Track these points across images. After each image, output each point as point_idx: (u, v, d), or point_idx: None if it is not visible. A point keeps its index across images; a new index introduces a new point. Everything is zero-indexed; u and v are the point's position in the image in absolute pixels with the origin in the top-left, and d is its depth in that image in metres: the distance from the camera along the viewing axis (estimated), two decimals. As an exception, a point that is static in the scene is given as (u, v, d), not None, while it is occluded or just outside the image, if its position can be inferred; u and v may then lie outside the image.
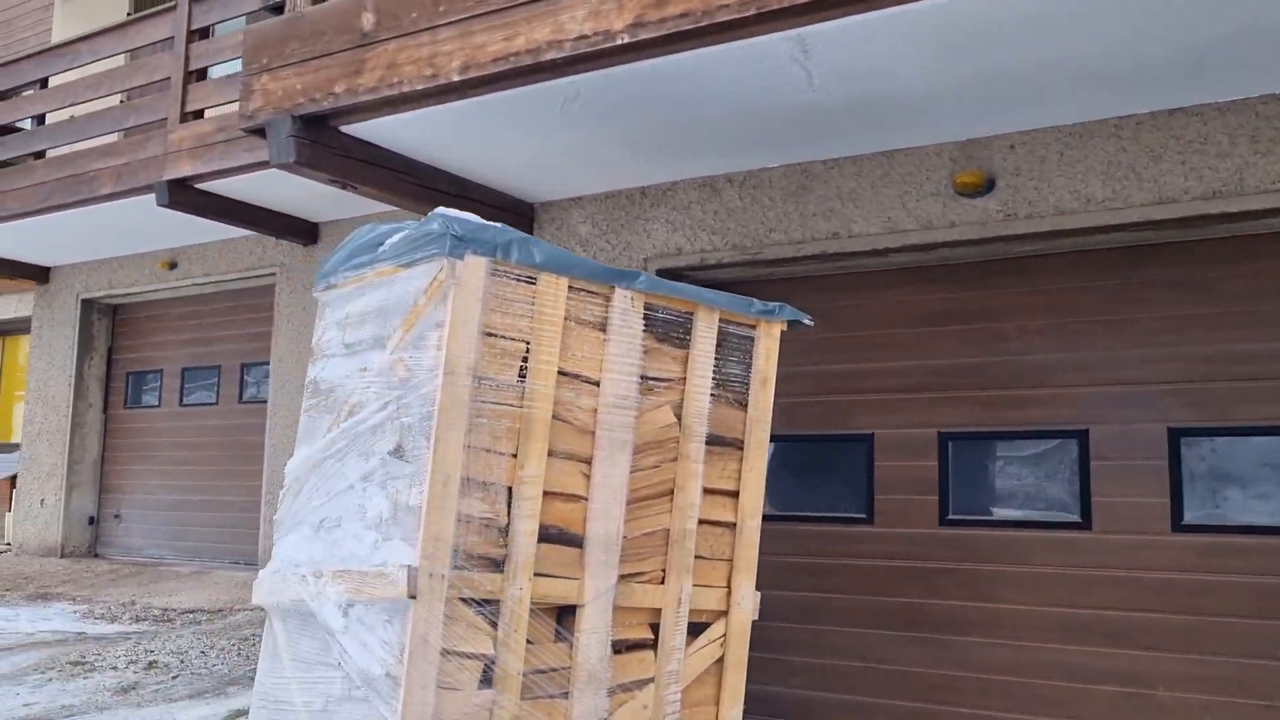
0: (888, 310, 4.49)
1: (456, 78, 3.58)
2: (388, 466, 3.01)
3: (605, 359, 3.31)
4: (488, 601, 3.01)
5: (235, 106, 7.65)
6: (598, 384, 3.32)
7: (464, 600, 2.96)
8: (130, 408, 10.62)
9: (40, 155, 9.05)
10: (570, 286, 3.26)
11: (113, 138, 9.18)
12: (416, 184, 4.41)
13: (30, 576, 9.40)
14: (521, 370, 3.16)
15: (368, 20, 3.82)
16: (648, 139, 4.35)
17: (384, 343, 3.15)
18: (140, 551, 10.21)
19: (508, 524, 3.07)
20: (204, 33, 7.97)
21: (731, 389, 3.69)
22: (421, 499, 2.85)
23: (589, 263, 3.32)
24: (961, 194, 4.93)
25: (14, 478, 10.88)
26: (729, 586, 3.69)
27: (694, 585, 3.54)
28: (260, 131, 4.16)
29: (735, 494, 3.73)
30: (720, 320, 3.63)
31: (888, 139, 5.05)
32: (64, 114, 9.30)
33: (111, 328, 10.85)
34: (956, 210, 4.98)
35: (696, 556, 3.53)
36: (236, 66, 8.36)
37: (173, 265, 9.84)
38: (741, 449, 3.73)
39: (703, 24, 3.23)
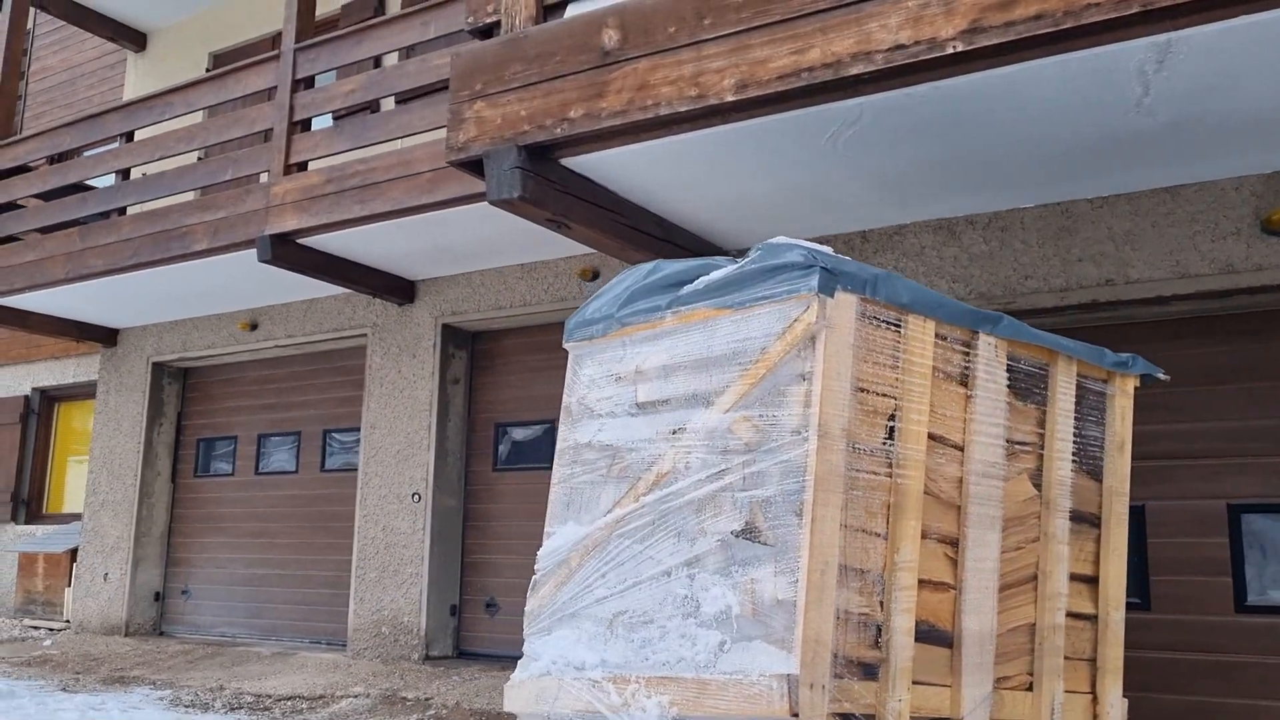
0: (1165, 366, 4.00)
1: (731, 97, 3.12)
2: (732, 550, 2.48)
3: (970, 419, 2.81)
4: (866, 718, 2.47)
5: (342, 159, 7.29)
6: (961, 448, 2.82)
7: (839, 716, 2.42)
8: (200, 476, 10.09)
9: (122, 212, 8.63)
10: (935, 332, 2.76)
11: (191, 195, 8.80)
12: (625, 225, 3.95)
13: (99, 658, 8.79)
14: (889, 431, 2.66)
15: (610, 38, 3.38)
16: (897, 175, 3.89)
17: (709, 399, 2.64)
18: (210, 630, 9.61)
19: (883, 620, 2.54)
20: (308, 82, 7.59)
21: (1087, 455, 3.19)
22: (795, 591, 2.32)
23: (953, 303, 2.81)
24: (1272, 232, 4.45)
25: (74, 551, 10.31)
26: (1094, 692, 3.14)
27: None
28: (471, 165, 3.69)
29: (1094, 580, 3.21)
30: (1077, 374, 3.14)
31: (1174, 173, 4.57)
32: (139, 170, 8.90)
33: (181, 392, 10.36)
34: (1264, 251, 4.50)
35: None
36: (327, 121, 8.05)
37: (253, 326, 9.39)
38: (1098, 526, 3.22)
39: (1063, 26, 2.78)
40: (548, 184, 3.60)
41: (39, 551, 10.53)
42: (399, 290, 8.39)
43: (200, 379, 10.29)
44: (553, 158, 3.64)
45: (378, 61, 7.97)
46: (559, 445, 3.26)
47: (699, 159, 3.67)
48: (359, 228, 7.20)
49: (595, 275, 7.56)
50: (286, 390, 9.62)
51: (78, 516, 11.59)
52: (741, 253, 3.10)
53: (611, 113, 3.37)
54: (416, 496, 8.11)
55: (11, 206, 9.39)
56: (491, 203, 3.53)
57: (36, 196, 9.26)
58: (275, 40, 9.93)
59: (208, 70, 10.47)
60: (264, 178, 7.69)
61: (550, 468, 8.26)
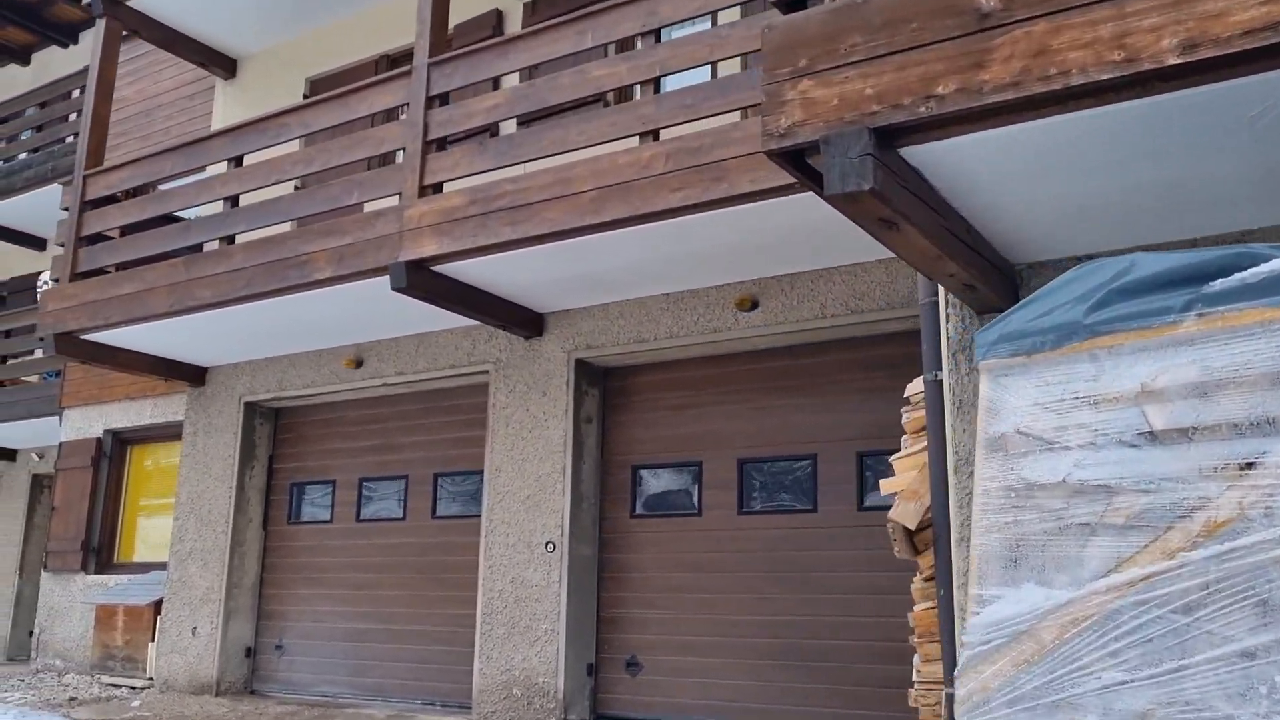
0: None
1: (1174, 60, 2.54)
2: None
3: None
4: None
5: (485, 179, 6.75)
6: None
7: None
8: (295, 523, 9.47)
9: (230, 241, 8.11)
10: None
11: (289, 226, 8.28)
12: (947, 229, 3.37)
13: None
14: None
15: (988, -1, 2.81)
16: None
17: (1291, 427, 2.05)
18: (309, 689, 8.95)
19: None
20: (442, 99, 7.08)
21: None
22: None
23: None
24: None
25: (158, 603, 9.67)
26: None
27: None
28: (793, 155, 3.11)
29: None
30: None
31: None
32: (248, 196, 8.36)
33: (272, 434, 9.78)
34: None
35: None
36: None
37: (359, 364, 8.81)
38: None
39: None
40: (890, 175, 3.03)
41: (118, 604, 9.90)
42: (527, 323, 7.83)
43: (293, 419, 9.71)
44: (894, 145, 3.06)
45: (497, 84, 7.47)
46: (981, 486, 2.64)
47: (1030, 149, 3.10)
48: (503, 254, 6.65)
49: (754, 305, 6.99)
50: (392, 431, 9.03)
51: (150, 566, 10.98)
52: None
53: (997, 86, 2.79)
54: (551, 545, 7.49)
55: (100, 238, 8.89)
56: (829, 198, 2.95)
57: (132, 227, 8.75)
58: (378, 64, 9.49)
59: (305, 96, 9.99)
60: (372, 204, 7.17)
61: (692, 513, 7.75)
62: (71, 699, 9.19)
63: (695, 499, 7.42)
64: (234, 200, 8.11)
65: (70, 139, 13.01)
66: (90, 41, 15.43)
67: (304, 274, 7.31)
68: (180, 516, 9.71)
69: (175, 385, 10.86)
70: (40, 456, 14.32)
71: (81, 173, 9.01)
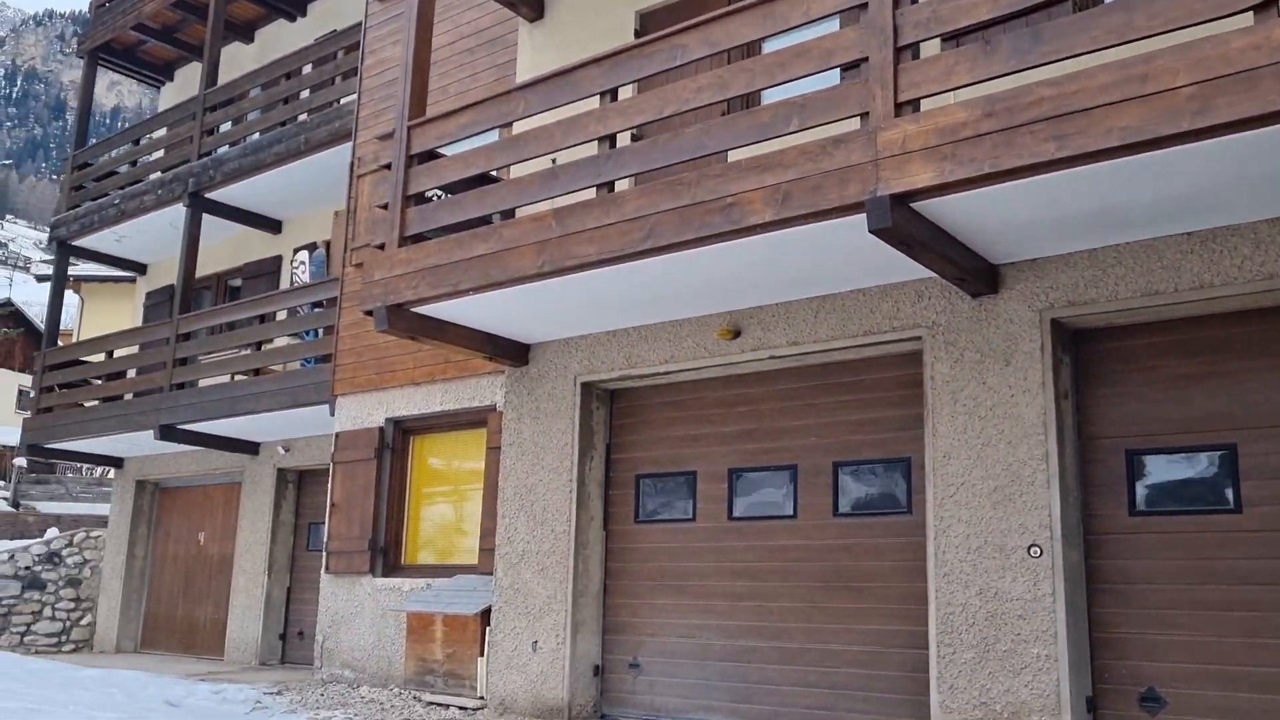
0: None
1: None
2: None
3: None
4: None
5: (998, 85, 5.31)
6: None
7: None
8: (645, 521, 8.20)
9: (610, 188, 6.85)
10: None
11: (685, 172, 6.98)
12: None
13: (576, 754, 6.89)
14: None
15: None
16: None
17: None
18: (676, 714, 7.66)
19: None
20: (913, -6, 5.65)
21: None
22: None
23: None
24: None
25: (486, 613, 8.51)
26: None
27: None
28: None
29: None
30: None
31: None
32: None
33: (608, 419, 8.53)
34: None
35: None
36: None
37: (736, 333, 7.47)
38: None
39: None
40: None
41: (435, 612, 8.78)
42: (978, 277, 6.35)
43: (635, 402, 8.43)
44: None
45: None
46: None
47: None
48: (1028, 179, 5.19)
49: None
50: (770, 414, 7.67)
51: (446, 569, 9.89)
52: None
53: None
54: (1036, 550, 6.00)
55: (421, 199, 7.77)
56: None
57: (465, 183, 7.59)
58: (731, -13, 8.11)
59: (636, 33, 8.73)
60: (809, 133, 5.79)
61: (1225, 510, 6.11)
62: (405, 722, 8.08)
63: (1230, 493, 5.84)
64: (610, 140, 6.84)
65: (341, 101, 12.09)
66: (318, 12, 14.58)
67: (731, 219, 5.99)
68: (507, 515, 8.53)
69: (467, 368, 9.78)
70: (286, 450, 13.48)
71: (405, 124, 7.88)
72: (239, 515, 13.98)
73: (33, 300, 41.40)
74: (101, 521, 19.53)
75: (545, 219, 6.87)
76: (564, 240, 6.72)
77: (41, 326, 38.63)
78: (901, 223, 5.52)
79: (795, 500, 7.44)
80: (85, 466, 25.25)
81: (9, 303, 37.13)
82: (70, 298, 41.61)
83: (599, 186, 6.81)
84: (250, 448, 13.86)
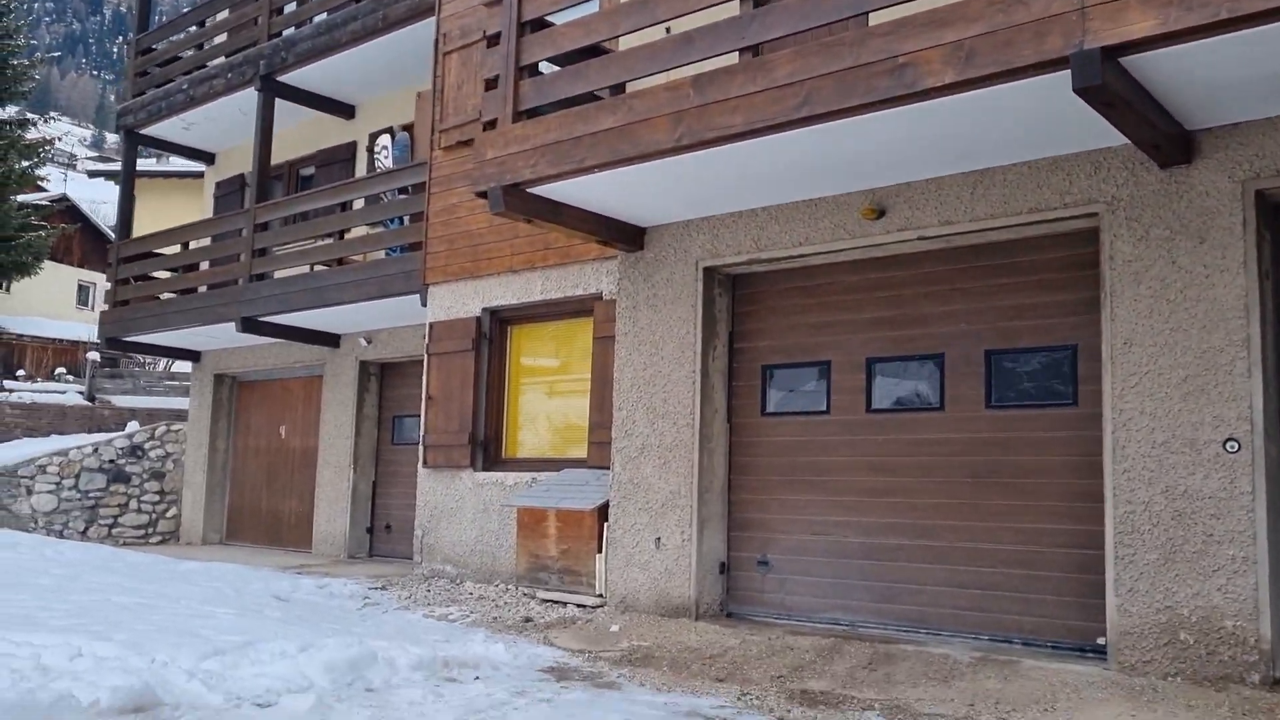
0: None
1: None
2: None
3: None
4: None
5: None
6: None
7: None
8: (772, 414, 7.77)
9: (755, 51, 6.25)
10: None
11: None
12: None
13: (715, 656, 6.61)
14: None
15: None
16: None
17: None
18: (811, 615, 7.34)
19: None
20: None
21: None
22: None
23: None
24: None
25: (603, 509, 8.19)
26: None
27: None
28: None
29: None
30: None
31: None
32: None
33: (730, 306, 8.04)
34: None
35: None
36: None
37: (880, 213, 6.90)
38: None
39: None
40: None
41: (548, 508, 8.48)
42: (1174, 144, 5.72)
43: (760, 288, 7.93)
44: None
45: None
46: None
47: None
48: (1264, 26, 4.54)
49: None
50: (913, 300, 7.15)
51: (548, 463, 9.57)
52: None
53: None
54: (1232, 444, 5.50)
55: (535, 73, 7.20)
56: None
57: (583, 52, 7.01)
58: None
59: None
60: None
61: None
62: (527, 619, 7.84)
63: None
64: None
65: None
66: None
67: (904, 82, 5.39)
68: (624, 407, 8.14)
69: (570, 254, 9.32)
70: (369, 342, 13.18)
71: (516, -14, 7.24)
72: (321, 409, 13.78)
73: (82, 197, 41.31)
74: (176, 415, 19.51)
75: (682, 87, 6.30)
76: (704, 110, 6.15)
77: (97, 222, 38.68)
78: (1111, 80, 4.90)
79: (942, 391, 6.96)
80: (149, 361, 25.29)
81: (65, 198, 36.99)
82: (115, 193, 41.57)
83: (742, 51, 6.22)
84: (331, 340, 13.58)
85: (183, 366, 23.98)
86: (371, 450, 13.43)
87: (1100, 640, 6.07)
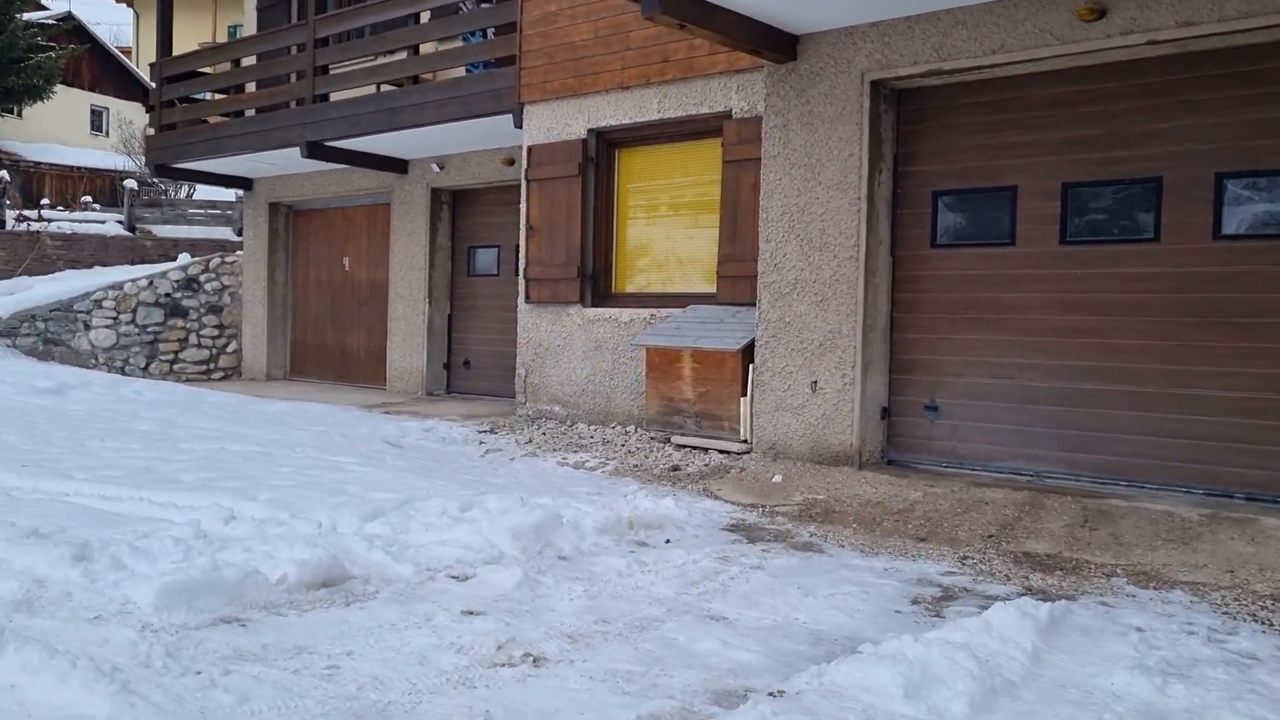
0: None
1: None
2: None
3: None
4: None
5: None
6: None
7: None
8: (943, 245, 7.03)
9: None
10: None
11: None
12: None
13: (903, 511, 6.10)
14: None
15: None
16: None
17: None
18: (986, 462, 6.80)
19: None
20: None
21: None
22: None
23: None
24: None
25: (749, 349, 7.56)
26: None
27: None
28: None
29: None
30: None
31: None
32: None
33: (895, 125, 7.18)
34: None
35: None
36: None
37: (1101, 13, 5.97)
38: None
39: None
40: None
41: (684, 348, 7.85)
42: None
43: (930, 104, 7.06)
44: None
45: None
46: None
47: None
48: None
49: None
50: (1124, 115, 6.29)
51: (665, 299, 8.90)
52: None
53: None
54: None
55: None
56: None
57: None
58: None
59: None
60: None
61: None
62: (674, 468, 7.32)
63: None
64: None
65: None
66: None
67: None
68: (773, 239, 7.39)
69: (693, 68, 8.45)
70: (441, 168, 12.33)
71: None
72: (390, 239, 13.03)
73: (87, 18, 39.36)
74: (217, 246, 18.81)
75: None
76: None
77: (106, 43, 36.89)
78: None
79: (1158, 220, 6.19)
80: (188, 190, 24.37)
81: (70, 16, 35.16)
82: (123, 13, 39.43)
83: None
84: (399, 166, 12.72)
85: (213, 193, 23.06)
86: (446, 283, 12.76)
87: (1342, 496, 5.51)
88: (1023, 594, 4.63)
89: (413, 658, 3.58)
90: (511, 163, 11.38)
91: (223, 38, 30.22)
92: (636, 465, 7.46)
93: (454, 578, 4.57)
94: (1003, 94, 6.75)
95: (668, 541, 5.37)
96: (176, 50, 14.11)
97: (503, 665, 3.55)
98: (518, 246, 11.75)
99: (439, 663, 3.53)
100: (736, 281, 8.15)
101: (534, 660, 3.61)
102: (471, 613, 4.09)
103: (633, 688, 3.39)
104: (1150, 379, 6.19)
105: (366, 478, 6.57)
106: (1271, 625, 4.27)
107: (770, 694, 3.34)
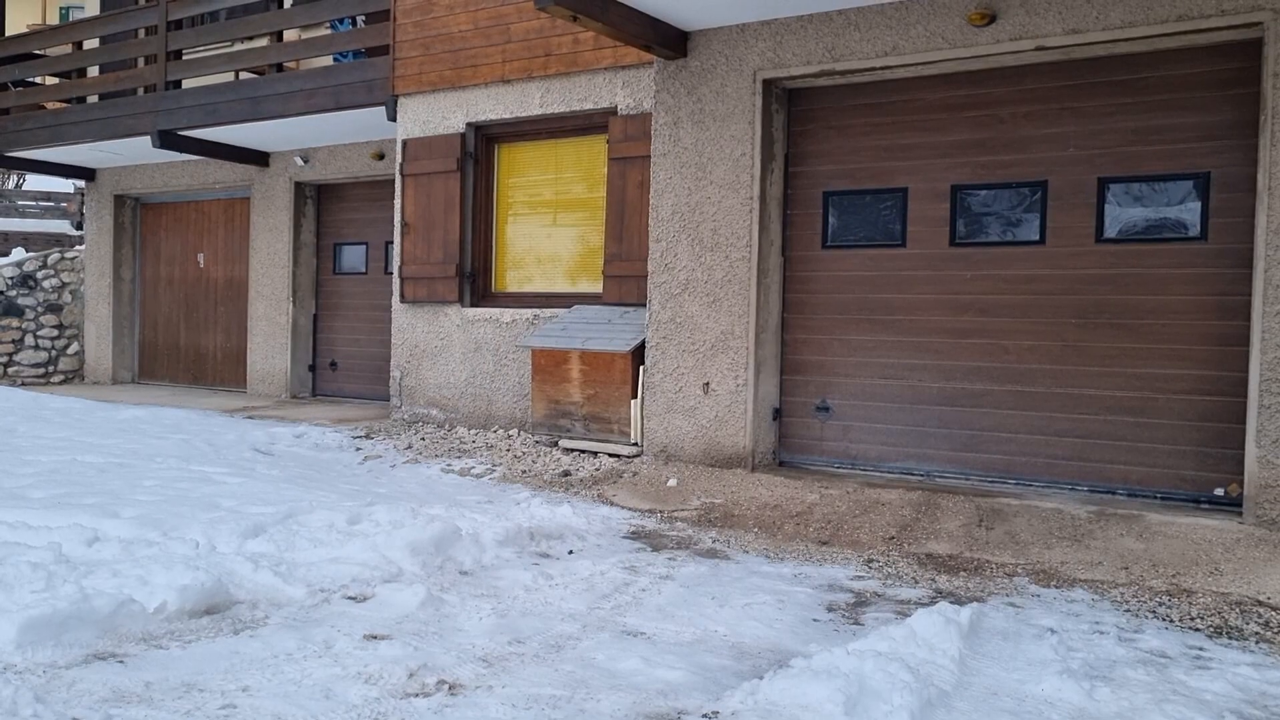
0: None
1: None
2: None
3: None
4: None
5: None
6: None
7: None
8: (835, 246, 7.03)
9: None
10: None
11: None
12: None
13: (791, 511, 6.04)
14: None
15: None
16: None
17: None
18: (877, 463, 6.83)
19: None
20: None
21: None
22: None
23: None
24: None
25: (639, 350, 7.42)
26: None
27: None
28: None
29: None
30: None
31: None
32: None
33: (786, 124, 7.15)
34: None
35: None
36: None
37: (991, 18, 6.06)
38: None
39: None
40: None
41: (571, 349, 7.65)
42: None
43: (821, 105, 7.05)
44: None
45: None
46: None
47: None
48: None
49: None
50: (1012, 119, 6.39)
51: (547, 299, 8.70)
52: None
53: None
54: None
55: None
56: None
57: None
58: None
59: None
60: None
61: None
62: (565, 473, 7.11)
63: None
64: None
65: None
66: None
67: None
68: (664, 238, 7.27)
69: (577, 62, 8.26)
70: (306, 161, 11.80)
71: None
72: (250, 234, 12.41)
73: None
74: (55, 240, 17.63)
75: None
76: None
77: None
78: None
79: (1044, 222, 6.31)
80: (17, 179, 22.81)
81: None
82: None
83: None
84: (260, 158, 12.12)
85: (47, 184, 21.64)
86: (311, 281, 12.23)
87: (1218, 491, 5.72)
88: (934, 597, 4.62)
89: (317, 691, 3.29)
90: (381, 157, 10.97)
91: (54, 20, 28.47)
92: (525, 471, 7.23)
93: (351, 598, 4.27)
94: (893, 96, 6.79)
95: (570, 552, 5.17)
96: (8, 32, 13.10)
97: (416, 695, 3.30)
98: (388, 244, 11.39)
99: (346, 695, 3.26)
100: (623, 281, 8.00)
101: (449, 688, 3.37)
102: (375, 637, 3.82)
103: (559, 714, 3.19)
104: (1038, 379, 6.31)
105: (240, 490, 6.16)
106: (1173, 621, 4.35)
107: (704, 715, 3.20)
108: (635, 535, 5.66)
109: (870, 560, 5.24)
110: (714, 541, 5.59)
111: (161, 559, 4.38)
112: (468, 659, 3.64)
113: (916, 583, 4.87)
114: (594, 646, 3.83)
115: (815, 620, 4.27)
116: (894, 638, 3.74)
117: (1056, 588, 4.83)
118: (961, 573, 5.05)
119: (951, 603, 4.37)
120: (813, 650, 3.82)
